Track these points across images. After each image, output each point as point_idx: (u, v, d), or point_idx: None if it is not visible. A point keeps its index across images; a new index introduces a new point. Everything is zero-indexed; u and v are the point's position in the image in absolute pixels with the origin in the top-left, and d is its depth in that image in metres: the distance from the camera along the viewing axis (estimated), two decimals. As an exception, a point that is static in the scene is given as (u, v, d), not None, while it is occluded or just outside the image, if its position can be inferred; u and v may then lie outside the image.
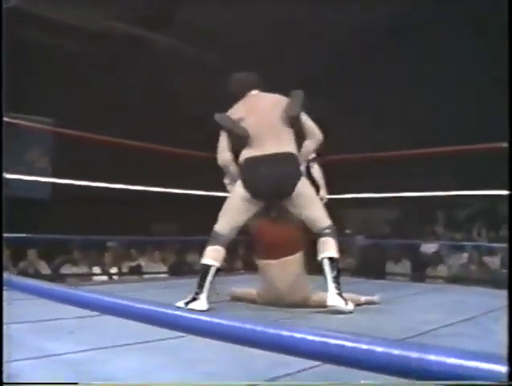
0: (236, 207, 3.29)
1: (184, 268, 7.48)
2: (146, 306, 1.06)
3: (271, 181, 3.22)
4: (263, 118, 3.32)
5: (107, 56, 9.45)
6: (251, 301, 3.53)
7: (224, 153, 3.35)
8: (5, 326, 2.53)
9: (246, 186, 3.25)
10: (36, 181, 6.91)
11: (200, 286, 3.19)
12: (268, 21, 9.18)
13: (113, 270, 7.04)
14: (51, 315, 2.86)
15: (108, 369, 1.91)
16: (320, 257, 3.23)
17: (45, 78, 8.74)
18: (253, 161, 3.26)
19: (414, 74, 9.66)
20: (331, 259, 3.20)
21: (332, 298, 3.12)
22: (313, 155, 4.28)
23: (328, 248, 3.23)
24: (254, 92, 3.46)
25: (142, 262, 7.66)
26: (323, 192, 4.37)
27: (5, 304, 3.24)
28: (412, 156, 6.94)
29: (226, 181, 3.59)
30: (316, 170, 4.41)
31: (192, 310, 3.02)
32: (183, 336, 2.40)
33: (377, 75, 9.84)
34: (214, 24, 9.20)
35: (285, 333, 0.76)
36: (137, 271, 7.18)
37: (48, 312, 2.97)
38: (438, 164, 8.58)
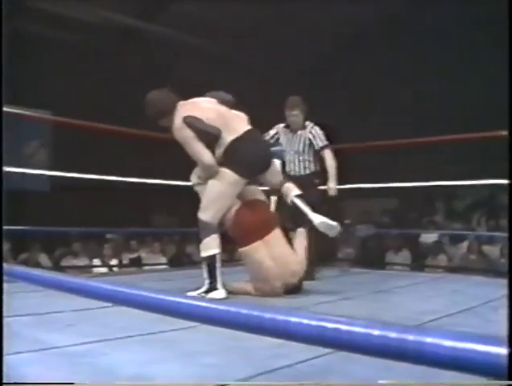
0: (227, 194, 3.39)
1: (184, 259, 7.48)
2: (150, 294, 1.05)
3: (261, 154, 3.50)
4: (219, 111, 3.42)
5: (104, 47, 9.44)
6: (246, 293, 3.54)
7: (209, 153, 3.34)
8: (4, 319, 2.54)
9: (240, 167, 3.35)
10: (36, 173, 6.89)
11: (213, 276, 3.29)
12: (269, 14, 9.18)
13: (114, 262, 7.05)
14: (51, 308, 2.86)
15: (108, 361, 1.91)
16: (290, 198, 3.54)
17: (41, 70, 8.74)
18: (238, 142, 3.36)
19: (415, 64, 9.67)
20: (299, 196, 3.53)
21: (318, 218, 3.40)
22: (326, 142, 4.31)
23: (293, 189, 3.56)
24: (182, 102, 3.41)
25: (143, 254, 7.68)
26: (331, 184, 4.27)
27: (4, 297, 3.24)
28: (411, 145, 6.94)
29: (195, 180, 3.59)
30: (329, 158, 4.30)
31: (213, 300, 3.09)
32: (183, 328, 2.41)
33: (380, 64, 9.84)
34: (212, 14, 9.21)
35: (280, 317, 0.75)
36: (137, 263, 7.19)
37: (47, 304, 2.97)
38: (437, 153, 8.57)
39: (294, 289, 3.57)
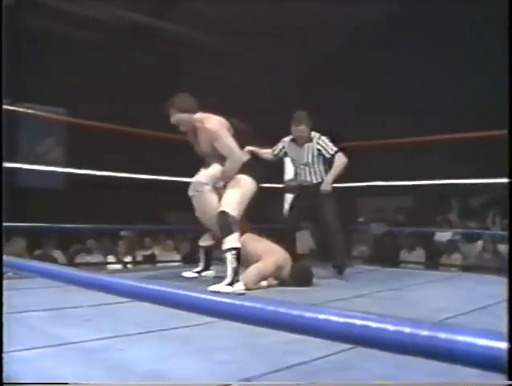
0: (248, 197, 3.64)
1: (197, 256, 7.47)
2: (172, 290, 1.04)
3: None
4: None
5: (117, 45, 9.47)
6: (262, 274, 3.69)
7: (241, 150, 3.67)
8: (23, 314, 2.57)
9: (257, 178, 3.70)
10: (50, 171, 6.92)
11: (238, 268, 3.40)
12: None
13: (128, 259, 7.08)
14: (67, 303, 2.87)
15: (124, 357, 1.91)
16: None
17: (56, 67, 8.80)
18: (252, 160, 3.78)
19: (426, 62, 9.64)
20: None
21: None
22: (335, 149, 4.33)
23: None
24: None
25: (156, 251, 7.70)
26: (324, 185, 4.28)
27: (24, 292, 3.29)
28: (424, 143, 6.90)
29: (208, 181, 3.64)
30: (338, 160, 4.31)
31: (237, 293, 3.20)
32: (198, 324, 2.42)
33: (388, 62, 9.82)
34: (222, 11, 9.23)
35: (308, 314, 0.75)
36: (151, 260, 7.21)
37: (64, 300, 2.99)
38: (451, 151, 8.52)
39: (305, 282, 3.75)
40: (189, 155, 3.94)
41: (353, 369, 1.76)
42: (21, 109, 4.54)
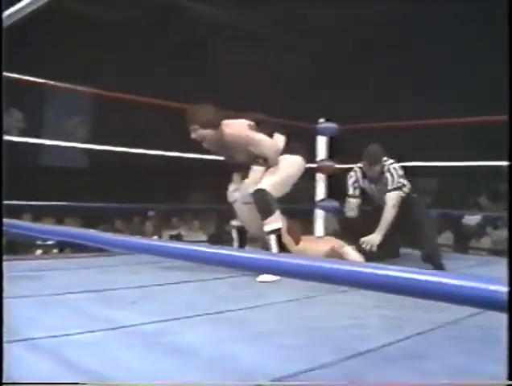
0: (295, 176, 3.56)
1: (224, 236, 7.45)
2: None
3: None
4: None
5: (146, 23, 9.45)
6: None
7: (273, 140, 3.58)
8: (65, 295, 2.52)
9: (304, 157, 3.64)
10: (77, 150, 6.90)
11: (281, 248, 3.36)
12: None
13: (154, 238, 7.08)
14: (109, 285, 2.82)
15: (185, 341, 1.84)
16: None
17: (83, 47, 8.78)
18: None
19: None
20: None
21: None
22: (396, 185, 3.96)
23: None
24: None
25: (183, 231, 7.71)
26: (375, 235, 3.85)
27: (63, 272, 3.25)
28: (453, 125, 6.79)
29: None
30: (388, 207, 3.88)
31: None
32: (249, 307, 2.36)
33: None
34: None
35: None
36: (177, 239, 7.20)
37: (105, 281, 2.95)
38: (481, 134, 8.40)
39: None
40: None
41: (428, 357, 1.68)
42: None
